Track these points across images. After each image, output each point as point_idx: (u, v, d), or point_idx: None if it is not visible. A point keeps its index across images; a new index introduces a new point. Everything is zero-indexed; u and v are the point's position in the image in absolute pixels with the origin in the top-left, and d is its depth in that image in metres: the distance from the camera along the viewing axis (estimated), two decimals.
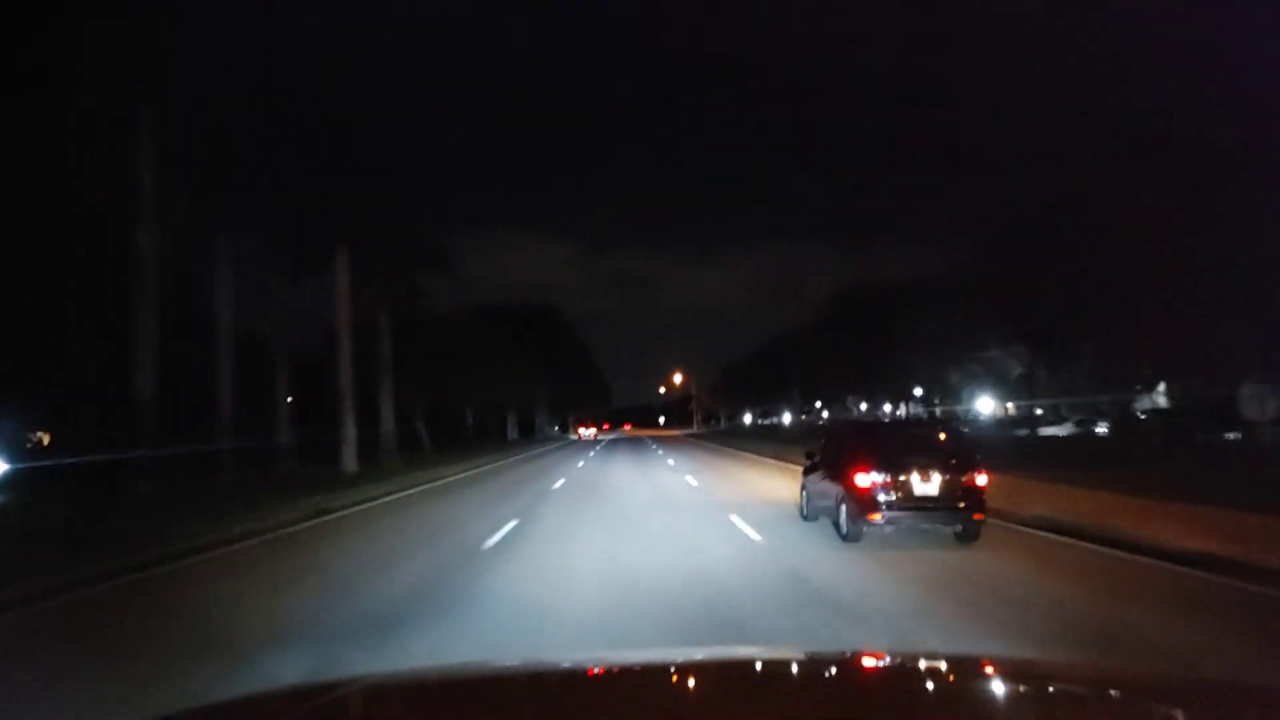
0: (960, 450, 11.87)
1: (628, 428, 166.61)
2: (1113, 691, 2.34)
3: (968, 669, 2.76)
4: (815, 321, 69.95)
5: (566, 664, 3.12)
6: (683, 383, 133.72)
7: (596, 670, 2.77)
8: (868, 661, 2.97)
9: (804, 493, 14.76)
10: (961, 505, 11.27)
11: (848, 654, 4.04)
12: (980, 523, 11.40)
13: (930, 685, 2.48)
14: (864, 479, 11.36)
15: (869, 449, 11.79)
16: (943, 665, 2.81)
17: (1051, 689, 2.35)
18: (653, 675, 2.64)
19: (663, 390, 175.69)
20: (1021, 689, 2.36)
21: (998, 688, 2.42)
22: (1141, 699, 2.21)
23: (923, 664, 2.89)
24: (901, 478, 11.29)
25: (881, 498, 11.26)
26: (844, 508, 11.83)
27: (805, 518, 14.46)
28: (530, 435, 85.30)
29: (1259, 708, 2.12)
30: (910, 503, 11.26)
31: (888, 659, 3.11)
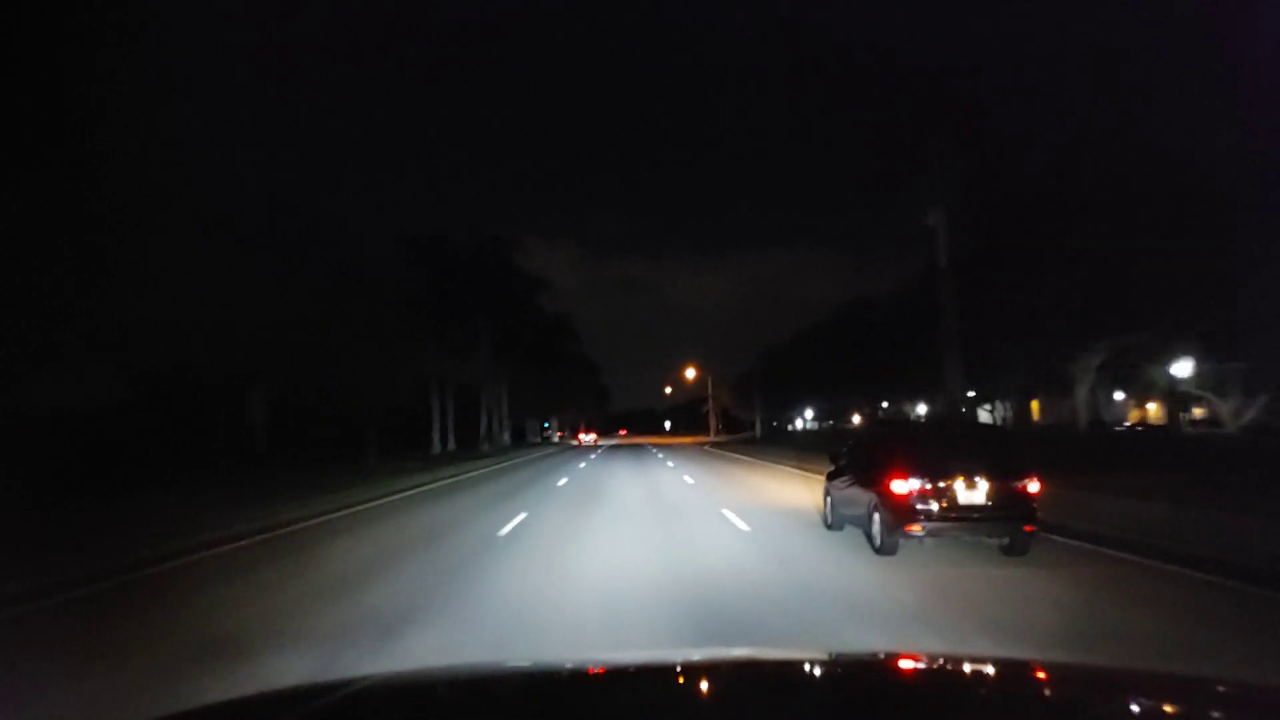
0: (1009, 454, 10.66)
1: (622, 433, 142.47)
2: (1113, 691, 2.30)
3: (968, 668, 2.73)
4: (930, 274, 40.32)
5: (570, 664, 3.06)
6: (695, 377, 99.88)
7: (599, 670, 2.70)
8: (869, 661, 2.95)
9: (828, 499, 13.59)
10: (1011, 516, 10.08)
11: (849, 654, 3.92)
12: (1031, 535, 10.20)
13: (930, 685, 2.45)
14: (901, 485, 10.16)
15: (907, 452, 10.58)
16: (943, 665, 2.83)
17: (1052, 689, 2.34)
18: (655, 676, 2.60)
19: (669, 390, 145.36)
20: (1022, 689, 2.35)
21: (998, 687, 2.39)
22: (1142, 699, 2.19)
23: (923, 664, 2.88)
24: (943, 484, 10.10)
25: (921, 506, 10.06)
26: (877, 517, 10.64)
27: (829, 527, 13.29)
28: (472, 445, 56.78)
29: (1259, 707, 2.09)
30: (954, 512, 10.05)
31: (889, 659, 3.11)
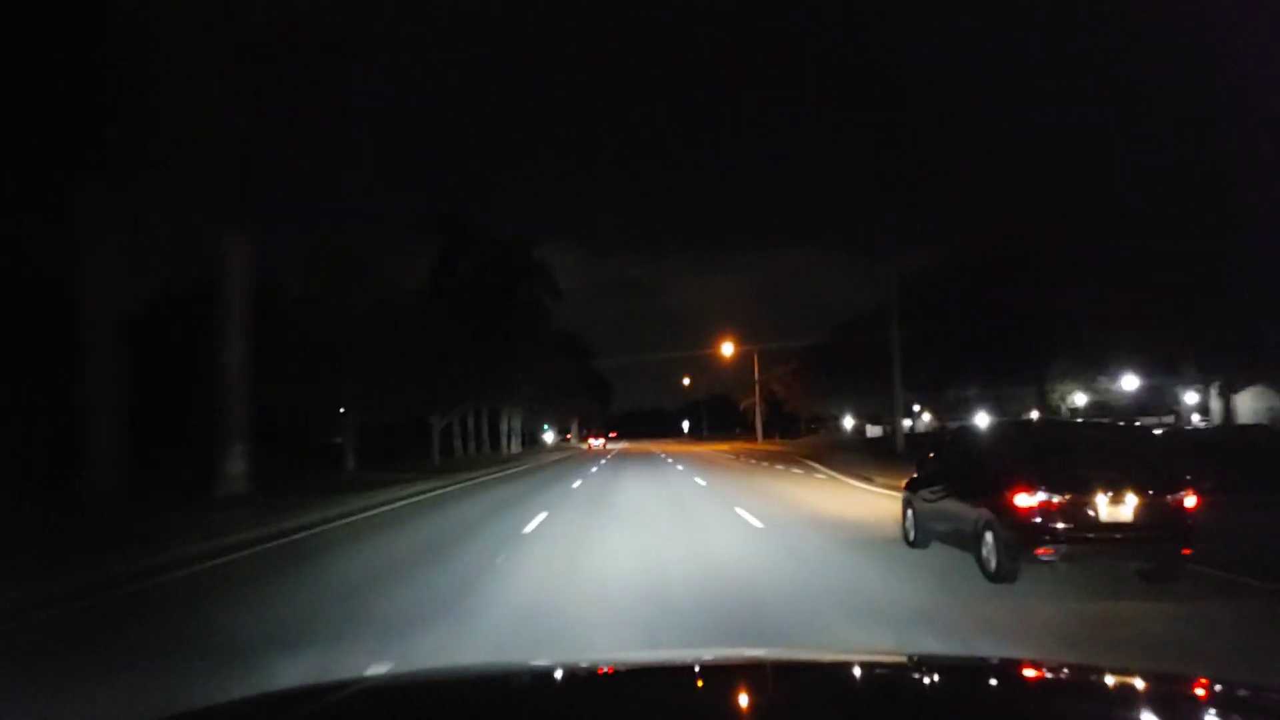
0: (1157, 459, 8.81)
1: (612, 436, 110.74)
2: (1112, 691, 2.29)
3: (970, 670, 2.69)
4: None
5: (571, 664, 2.87)
6: (734, 356, 67.27)
7: (602, 670, 2.66)
8: (874, 662, 2.90)
9: (909, 512, 11.74)
10: (1164, 536, 8.24)
11: (853, 655, 3.62)
12: (1187, 559, 8.37)
13: (934, 686, 2.39)
14: (1027, 499, 8.33)
15: (1032, 457, 8.76)
16: (946, 666, 2.83)
17: (1056, 689, 2.33)
18: (659, 676, 2.54)
19: (687, 382, 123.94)
20: (1028, 689, 2.34)
21: (1004, 687, 2.36)
22: (1141, 699, 2.20)
23: (927, 665, 2.85)
24: (1080, 497, 8.26)
25: (1053, 524, 8.23)
26: (990, 536, 8.81)
27: (912, 544, 11.45)
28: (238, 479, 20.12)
29: (1258, 707, 2.08)
30: (1093, 531, 8.22)
31: (894, 660, 3.12)
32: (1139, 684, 2.40)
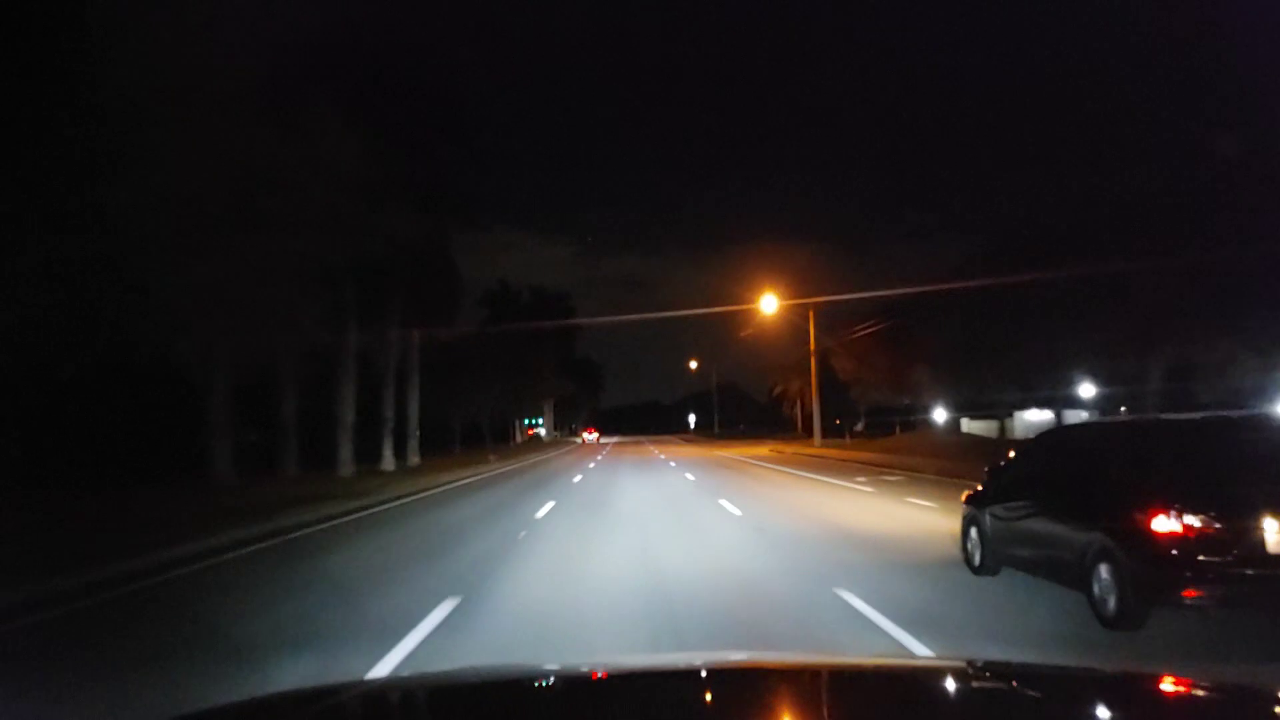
0: None
1: (591, 433, 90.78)
2: (1111, 692, 2.23)
3: (969, 673, 2.56)
4: None
5: (569, 669, 2.94)
6: (780, 311, 45.95)
7: (599, 675, 2.64)
8: (875, 666, 2.90)
9: (973, 530, 9.68)
10: None
11: (853, 659, 3.70)
12: None
13: (932, 690, 2.36)
14: (1167, 523, 6.31)
15: (1171, 468, 6.75)
16: (945, 669, 2.75)
17: (1052, 691, 2.27)
18: (654, 680, 2.52)
19: (694, 365, 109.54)
20: (1023, 692, 2.29)
21: (998, 691, 2.31)
22: (1140, 700, 2.15)
23: (926, 669, 2.87)
24: (1240, 521, 6.26)
25: (1203, 557, 6.23)
26: (1107, 569, 6.80)
27: (977, 569, 9.45)
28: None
29: (1256, 708, 2.04)
30: (1260, 566, 6.20)
31: (892, 663, 3.13)
32: (1134, 684, 2.36)
